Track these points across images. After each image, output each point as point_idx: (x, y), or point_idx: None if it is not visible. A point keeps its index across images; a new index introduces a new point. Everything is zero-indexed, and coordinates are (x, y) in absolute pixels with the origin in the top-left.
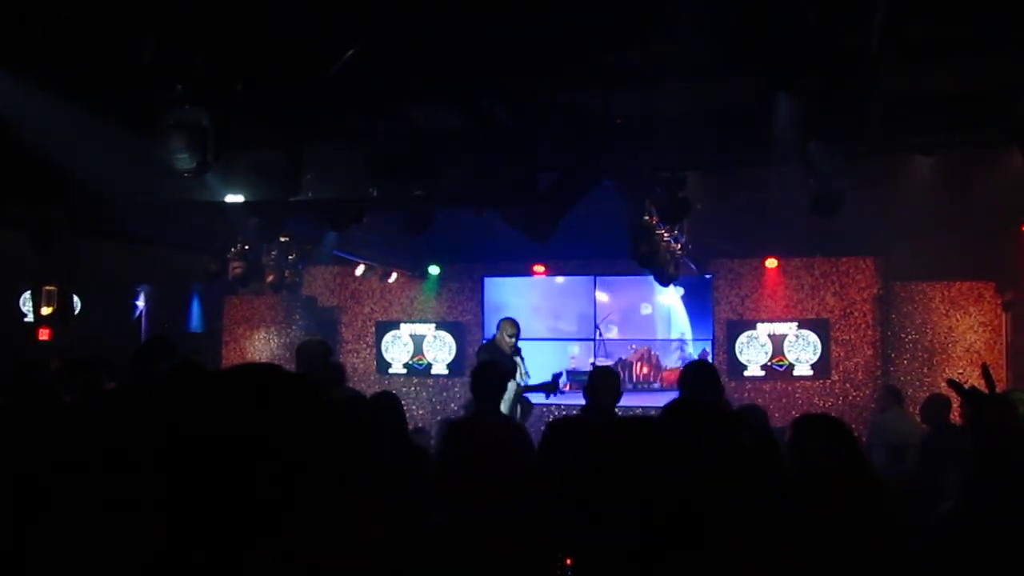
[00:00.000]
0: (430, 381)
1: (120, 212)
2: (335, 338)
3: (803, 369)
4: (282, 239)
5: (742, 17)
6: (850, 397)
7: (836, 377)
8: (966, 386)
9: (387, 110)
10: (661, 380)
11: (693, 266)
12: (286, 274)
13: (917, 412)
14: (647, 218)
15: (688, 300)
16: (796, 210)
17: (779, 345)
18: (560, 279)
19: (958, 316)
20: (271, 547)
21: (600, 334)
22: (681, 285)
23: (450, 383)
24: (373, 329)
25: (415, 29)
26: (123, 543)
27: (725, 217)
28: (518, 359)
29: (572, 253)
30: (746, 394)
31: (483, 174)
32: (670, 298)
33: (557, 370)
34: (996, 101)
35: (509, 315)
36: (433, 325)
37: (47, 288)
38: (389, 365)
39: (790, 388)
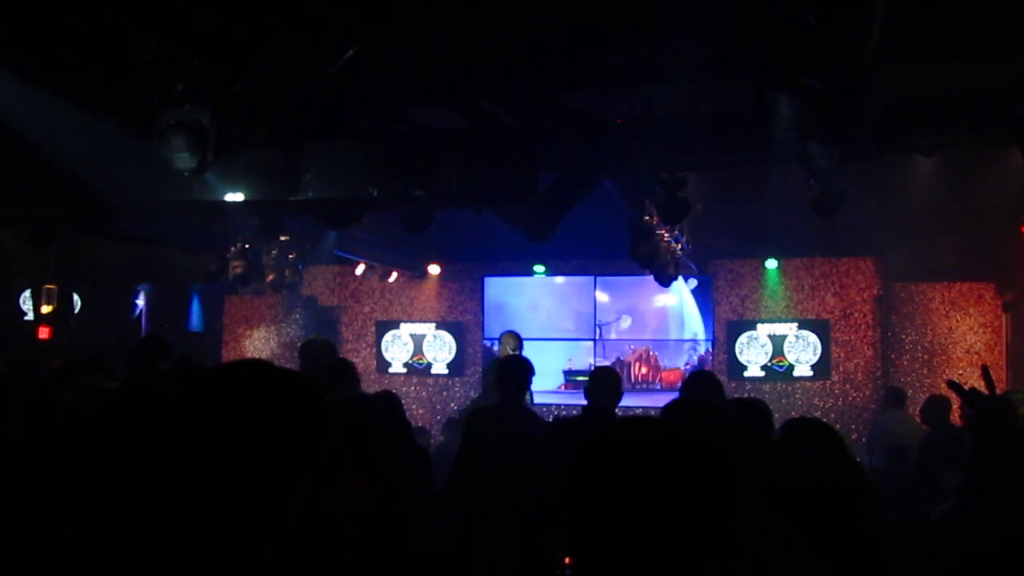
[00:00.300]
0: (430, 381)
1: (120, 212)
2: (335, 338)
3: (803, 370)
4: (282, 239)
5: (741, 17)
6: (850, 398)
7: (836, 378)
8: (966, 387)
9: (387, 110)
10: (660, 380)
11: (693, 266)
12: (286, 274)
13: (917, 413)
14: (647, 218)
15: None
16: (796, 210)
17: (779, 346)
18: (560, 279)
19: (958, 317)
20: (271, 546)
21: (600, 334)
22: (686, 281)
23: (450, 383)
24: (373, 329)
25: (415, 29)
26: (123, 543)
27: (725, 217)
28: None
29: (572, 253)
30: (746, 395)
31: (483, 174)
32: (683, 296)
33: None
34: (996, 101)
35: (510, 328)
36: (433, 325)
37: (47, 287)
38: (389, 365)
39: (790, 389)
